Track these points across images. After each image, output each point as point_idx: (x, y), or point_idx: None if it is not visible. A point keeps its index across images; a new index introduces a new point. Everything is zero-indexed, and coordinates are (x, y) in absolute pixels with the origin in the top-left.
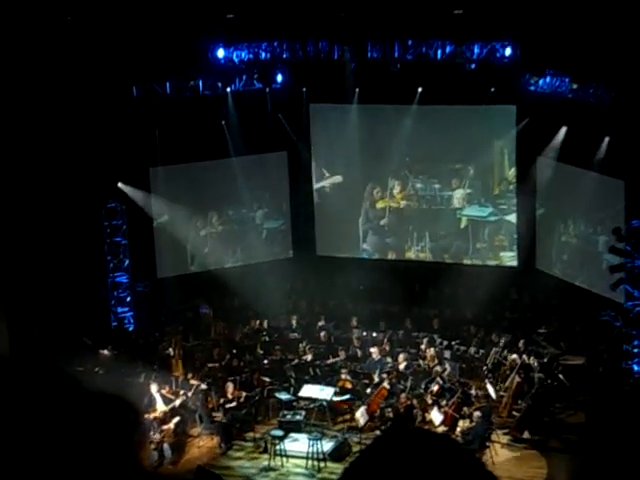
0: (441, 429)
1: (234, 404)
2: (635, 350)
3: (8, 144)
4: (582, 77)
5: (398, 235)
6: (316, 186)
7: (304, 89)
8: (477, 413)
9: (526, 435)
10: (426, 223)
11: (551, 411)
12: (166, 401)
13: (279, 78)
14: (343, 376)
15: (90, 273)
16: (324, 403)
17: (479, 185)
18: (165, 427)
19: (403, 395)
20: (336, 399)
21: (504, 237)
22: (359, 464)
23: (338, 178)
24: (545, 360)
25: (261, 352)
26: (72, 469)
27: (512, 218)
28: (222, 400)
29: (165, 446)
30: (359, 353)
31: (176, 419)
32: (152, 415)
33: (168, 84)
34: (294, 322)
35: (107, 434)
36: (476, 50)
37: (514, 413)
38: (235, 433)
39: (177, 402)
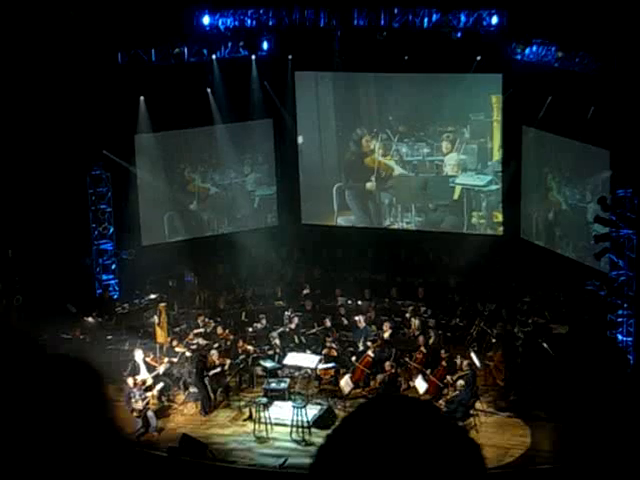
0: (425, 397)
1: (218, 371)
2: (619, 319)
3: None
4: (568, 46)
5: (378, 209)
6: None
7: (290, 57)
8: (461, 381)
9: (510, 404)
10: (412, 194)
11: (535, 380)
12: (150, 369)
13: (265, 45)
14: (328, 344)
15: (75, 240)
16: (309, 371)
17: (475, 149)
18: (148, 394)
19: (387, 363)
20: (321, 367)
21: None
22: (341, 431)
23: (299, 139)
24: (529, 329)
25: (246, 320)
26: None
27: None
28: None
29: (149, 414)
30: (344, 321)
31: (159, 386)
32: (135, 382)
33: (153, 51)
34: (279, 290)
35: (69, 399)
36: (462, 18)
37: (498, 382)
38: (219, 401)
39: (161, 369)
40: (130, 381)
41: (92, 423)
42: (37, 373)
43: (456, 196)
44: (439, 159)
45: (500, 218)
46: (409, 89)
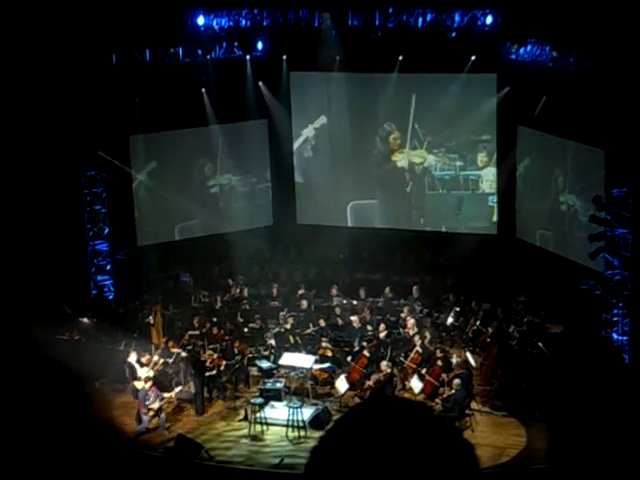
0: (421, 397)
1: (214, 372)
2: (614, 319)
3: None
4: (563, 46)
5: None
6: (297, 144)
7: (284, 57)
8: (457, 381)
9: (505, 403)
10: (444, 215)
11: (530, 379)
12: (146, 366)
13: (259, 46)
14: (323, 344)
15: (70, 241)
16: (304, 371)
17: None
18: (166, 395)
19: (383, 363)
20: (316, 367)
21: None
22: (334, 432)
23: (322, 119)
24: (524, 328)
25: (241, 320)
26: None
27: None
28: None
29: (162, 414)
30: (339, 321)
31: (178, 389)
32: (148, 383)
33: (148, 51)
34: (274, 290)
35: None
36: (457, 18)
37: (493, 381)
38: (214, 401)
39: (159, 361)
40: (143, 384)
41: (70, 421)
42: (16, 374)
43: (496, 218)
44: (475, 174)
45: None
46: (423, 95)
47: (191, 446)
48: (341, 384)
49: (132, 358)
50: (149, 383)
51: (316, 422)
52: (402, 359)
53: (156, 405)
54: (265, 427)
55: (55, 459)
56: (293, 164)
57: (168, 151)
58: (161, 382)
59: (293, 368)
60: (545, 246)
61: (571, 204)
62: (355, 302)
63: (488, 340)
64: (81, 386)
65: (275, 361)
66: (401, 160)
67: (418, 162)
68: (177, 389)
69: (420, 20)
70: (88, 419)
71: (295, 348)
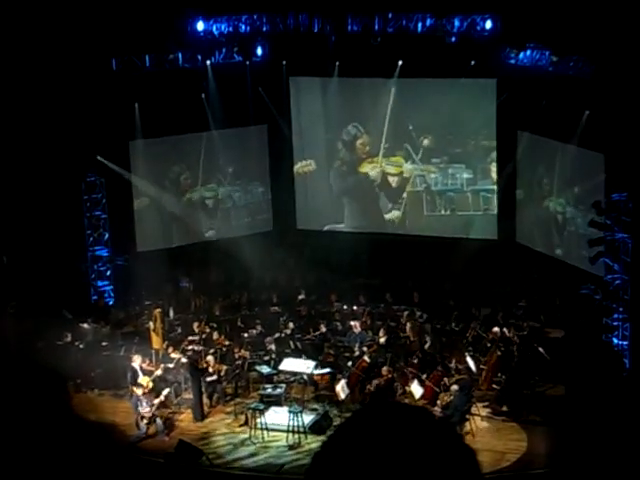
0: (421, 402)
1: (215, 377)
2: (615, 323)
3: None
4: (562, 50)
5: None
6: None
7: (284, 62)
8: (454, 387)
9: (506, 408)
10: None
11: (531, 384)
12: (147, 374)
13: (259, 51)
14: (324, 350)
15: (70, 247)
16: (305, 376)
17: None
18: (156, 401)
19: (384, 368)
20: (317, 372)
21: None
22: (337, 438)
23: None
24: (525, 333)
25: (241, 326)
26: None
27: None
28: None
29: (157, 420)
30: (339, 327)
31: (166, 391)
32: (140, 389)
33: (147, 57)
34: (274, 296)
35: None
36: (456, 23)
37: (494, 386)
38: (214, 406)
39: (158, 372)
40: (139, 390)
41: (69, 427)
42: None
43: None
44: (487, 188)
45: None
46: (422, 98)
47: (192, 452)
48: (341, 389)
49: (136, 362)
50: (140, 389)
51: (316, 427)
52: (402, 364)
53: (147, 411)
54: (265, 432)
55: (54, 465)
56: (293, 169)
57: (166, 156)
58: (162, 388)
59: (293, 373)
60: (545, 250)
61: (568, 208)
62: (355, 307)
63: (488, 345)
64: (75, 392)
65: (275, 366)
66: (372, 172)
67: (393, 172)
68: (165, 392)
69: (420, 25)
70: (85, 425)
71: (295, 353)
